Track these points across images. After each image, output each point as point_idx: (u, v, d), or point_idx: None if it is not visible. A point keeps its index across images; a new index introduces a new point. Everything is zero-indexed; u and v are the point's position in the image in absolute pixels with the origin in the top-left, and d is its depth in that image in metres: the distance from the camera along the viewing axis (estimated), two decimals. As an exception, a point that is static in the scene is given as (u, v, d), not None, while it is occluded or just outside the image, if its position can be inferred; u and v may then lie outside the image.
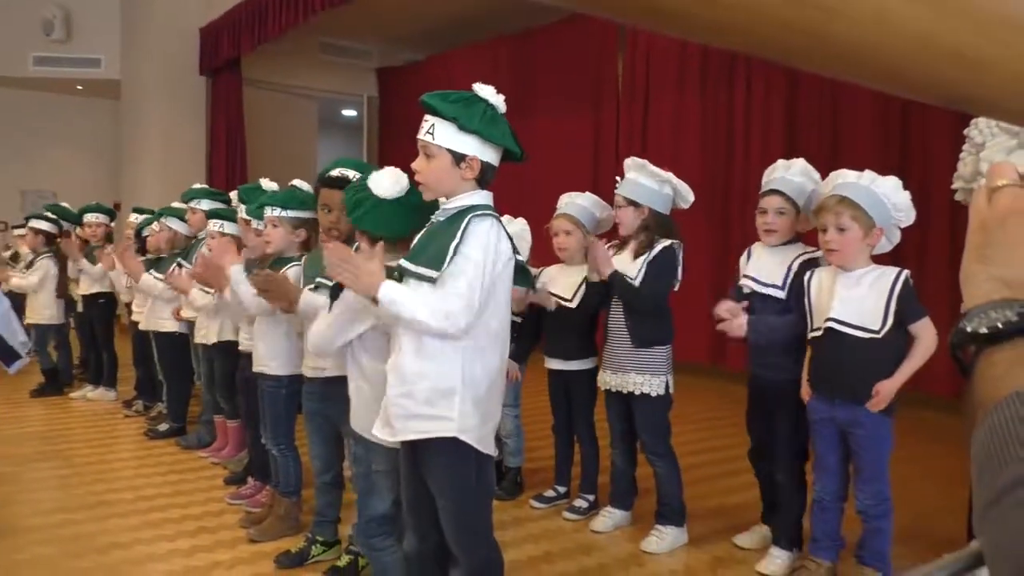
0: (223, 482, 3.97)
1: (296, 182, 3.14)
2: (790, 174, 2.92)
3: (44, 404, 5.95)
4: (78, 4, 10.26)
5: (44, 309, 6.23)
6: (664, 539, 3.13)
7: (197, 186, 4.84)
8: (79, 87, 10.99)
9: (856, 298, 2.56)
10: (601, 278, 3.12)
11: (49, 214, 6.41)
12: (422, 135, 1.96)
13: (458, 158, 1.95)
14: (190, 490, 3.86)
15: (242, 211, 3.42)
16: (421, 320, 1.86)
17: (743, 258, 3.02)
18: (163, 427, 4.94)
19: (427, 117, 1.97)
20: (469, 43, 9.14)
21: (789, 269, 2.87)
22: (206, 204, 4.44)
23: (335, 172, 2.76)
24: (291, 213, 2.99)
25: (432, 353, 1.92)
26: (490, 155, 1.99)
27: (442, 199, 2.04)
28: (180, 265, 4.40)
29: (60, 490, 3.94)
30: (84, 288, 6.01)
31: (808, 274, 2.75)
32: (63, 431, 5.12)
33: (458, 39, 9.35)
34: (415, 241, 2.08)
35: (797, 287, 2.81)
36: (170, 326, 4.76)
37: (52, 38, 10.20)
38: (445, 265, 1.88)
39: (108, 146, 11.01)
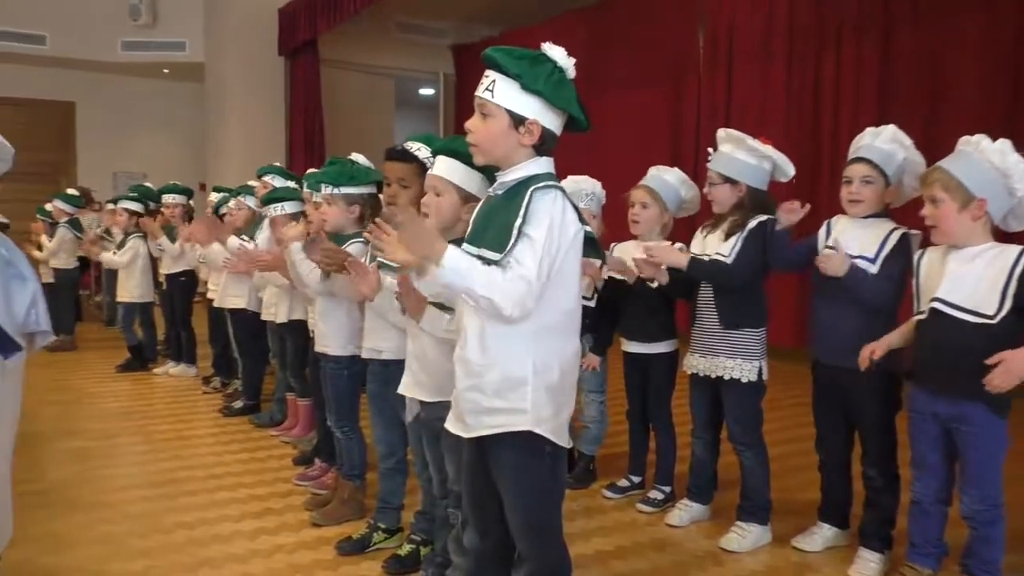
0: (292, 462, 3.95)
1: (353, 156, 3.03)
2: (879, 141, 2.69)
3: (129, 380, 6.11)
4: (163, -11, 10.52)
5: (133, 288, 6.40)
6: (746, 537, 2.92)
7: (275, 164, 4.86)
8: (165, 70, 11.28)
9: (968, 278, 2.28)
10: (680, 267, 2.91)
11: (137, 195, 6.58)
12: (480, 92, 1.78)
13: (517, 120, 1.76)
14: (259, 469, 3.85)
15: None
16: (488, 297, 1.68)
17: (821, 232, 2.78)
18: (238, 404, 4.98)
19: (488, 73, 1.78)
20: (545, 18, 8.93)
21: (884, 242, 2.61)
22: (279, 182, 4.43)
23: (401, 145, 2.66)
24: (344, 190, 2.88)
25: (498, 341, 1.77)
26: (552, 121, 1.80)
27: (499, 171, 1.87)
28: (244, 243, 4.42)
29: (136, 466, 4.00)
30: (166, 267, 6.13)
31: (919, 254, 2.49)
32: (144, 407, 5.23)
33: (533, 14, 9.15)
34: (472, 220, 1.93)
35: (893, 265, 2.57)
36: (241, 303, 4.77)
37: (139, 23, 10.48)
38: (509, 246, 1.71)
39: (194, 128, 11.28)
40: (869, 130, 2.74)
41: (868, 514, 2.76)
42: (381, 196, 2.88)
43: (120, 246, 6.45)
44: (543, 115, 1.77)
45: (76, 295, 8.23)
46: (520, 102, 1.75)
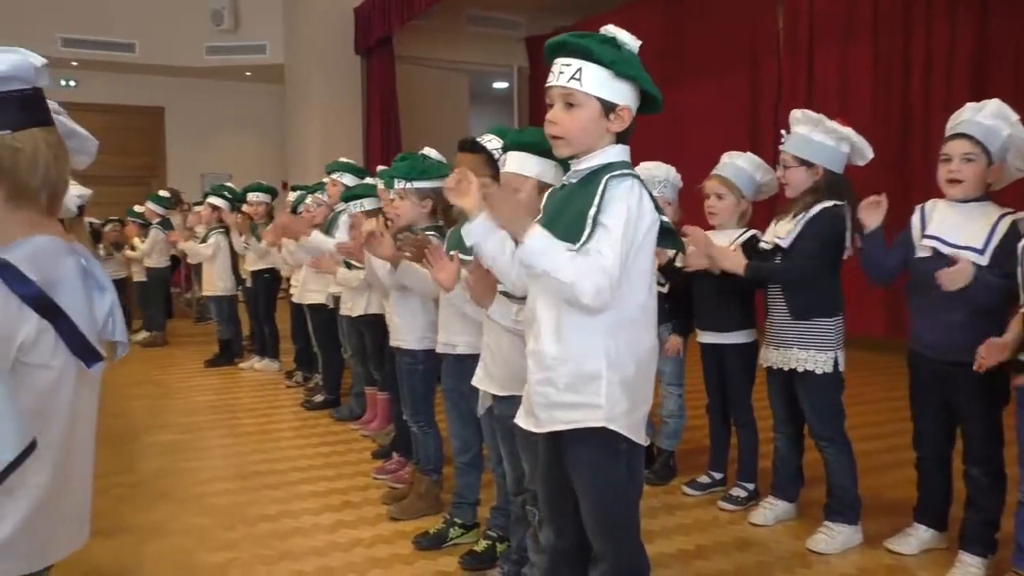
0: (371, 455, 3.99)
1: (426, 150, 3.03)
2: (981, 116, 2.50)
3: (217, 374, 6.31)
4: (245, -7, 10.80)
5: (218, 281, 6.61)
6: (835, 538, 2.79)
7: (342, 160, 4.90)
8: (248, 73, 11.59)
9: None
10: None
11: (224, 192, 6.78)
12: (564, 81, 1.71)
13: (608, 108, 1.71)
14: (339, 463, 3.90)
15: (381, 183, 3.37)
16: (570, 283, 1.62)
17: (915, 218, 2.61)
18: (318, 398, 5.07)
19: (568, 60, 1.72)
20: (618, 6, 8.79)
21: (993, 230, 2.43)
22: (348, 179, 4.47)
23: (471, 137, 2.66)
24: (416, 184, 2.88)
25: (571, 333, 1.71)
26: (635, 105, 1.76)
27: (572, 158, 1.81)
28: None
29: (222, 459, 4.11)
30: (251, 264, 6.29)
31: (1022, 242, 2.31)
32: (231, 401, 5.38)
33: (607, 2, 9.01)
34: (543, 208, 1.88)
35: (1004, 255, 2.37)
36: (319, 299, 4.85)
37: (222, 28, 10.79)
38: (583, 237, 1.66)
39: (275, 128, 11.57)
40: (970, 105, 2.56)
41: (969, 515, 2.59)
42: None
43: (203, 240, 6.65)
44: (632, 100, 1.74)
45: (167, 293, 8.56)
46: (611, 89, 1.71)
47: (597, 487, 1.78)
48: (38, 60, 1.24)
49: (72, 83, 10.93)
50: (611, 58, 1.69)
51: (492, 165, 2.60)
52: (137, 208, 8.29)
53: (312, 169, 9.37)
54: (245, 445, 4.29)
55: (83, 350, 1.22)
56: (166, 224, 7.99)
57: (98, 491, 1.37)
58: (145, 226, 8.04)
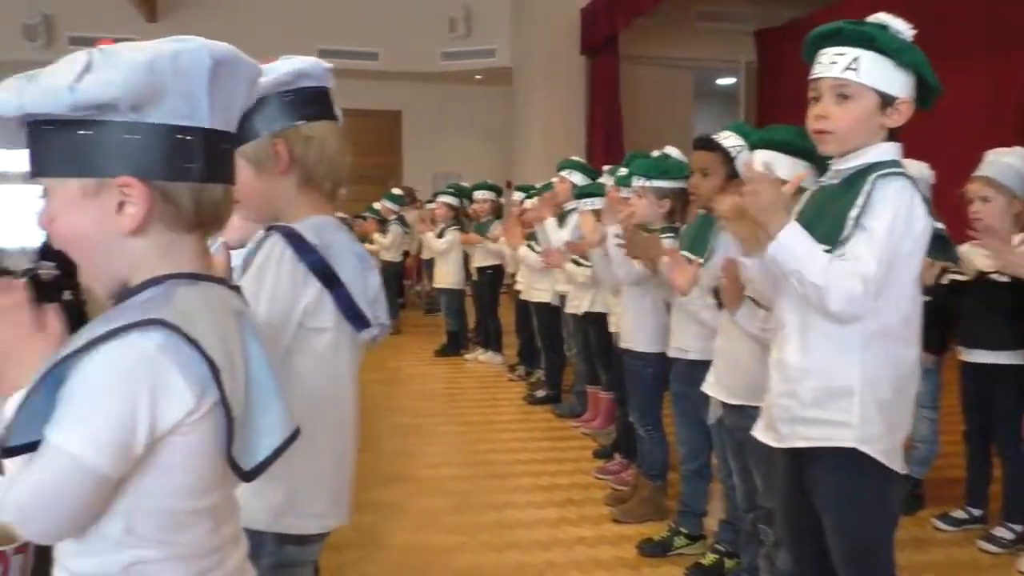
0: (592, 454, 4.00)
1: (668, 149, 2.98)
2: None
3: (444, 364, 6.64)
4: (477, 0, 11.25)
5: (449, 275, 6.95)
6: None
7: (573, 158, 4.96)
8: (477, 77, 12.08)
9: None
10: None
11: (453, 190, 7.14)
12: (837, 72, 1.59)
13: (886, 101, 1.58)
14: (560, 459, 3.96)
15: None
16: (819, 285, 1.50)
17: None
18: (540, 393, 5.18)
19: (841, 49, 1.59)
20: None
21: None
22: (577, 177, 4.51)
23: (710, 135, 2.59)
24: (656, 183, 2.84)
25: (821, 344, 1.60)
26: (913, 98, 1.61)
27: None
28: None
29: (450, 445, 4.31)
30: (478, 260, 6.56)
31: None
32: (457, 391, 5.64)
33: (848, -12, 8.41)
34: (800, 210, 1.77)
35: None
36: (545, 297, 4.94)
37: (456, 34, 11.34)
38: (841, 237, 1.54)
39: (501, 129, 11.97)
40: None
41: None
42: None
43: (439, 236, 7.03)
44: (911, 93, 1.60)
45: (400, 285, 9.16)
46: (890, 79, 1.58)
47: (844, 514, 1.65)
48: (327, 64, 1.39)
49: (324, 90, 11.98)
50: (895, 45, 1.55)
51: (729, 163, 2.52)
52: (376, 205, 8.93)
53: (534, 169, 9.59)
54: (472, 434, 4.47)
55: (354, 317, 1.34)
56: (402, 221, 8.54)
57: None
58: (382, 222, 8.64)
